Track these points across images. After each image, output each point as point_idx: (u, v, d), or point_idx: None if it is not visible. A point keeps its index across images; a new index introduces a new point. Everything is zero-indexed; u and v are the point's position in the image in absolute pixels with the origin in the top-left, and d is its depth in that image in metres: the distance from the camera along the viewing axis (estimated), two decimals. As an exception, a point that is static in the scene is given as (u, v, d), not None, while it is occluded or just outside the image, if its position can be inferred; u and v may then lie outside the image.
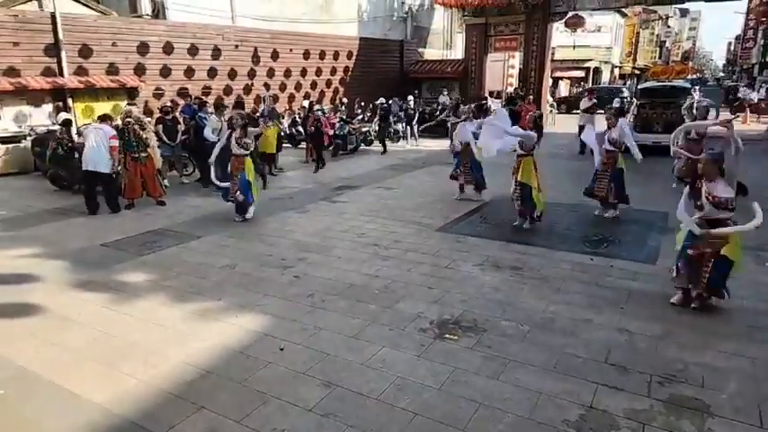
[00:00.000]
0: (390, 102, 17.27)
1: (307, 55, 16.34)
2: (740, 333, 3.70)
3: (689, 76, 17.16)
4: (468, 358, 3.42)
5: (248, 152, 6.81)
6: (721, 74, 67.60)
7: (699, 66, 57.68)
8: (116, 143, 7.20)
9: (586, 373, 3.22)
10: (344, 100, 16.19)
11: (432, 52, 22.65)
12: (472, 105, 8.27)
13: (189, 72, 13.17)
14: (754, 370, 3.24)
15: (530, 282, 4.72)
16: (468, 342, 3.62)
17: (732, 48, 60.50)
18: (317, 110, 11.55)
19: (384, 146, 13.43)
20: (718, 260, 3.85)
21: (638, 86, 14.96)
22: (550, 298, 4.35)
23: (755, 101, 21.18)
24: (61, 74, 10.79)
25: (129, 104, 9.10)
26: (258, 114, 10.34)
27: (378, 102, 14.60)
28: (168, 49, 12.62)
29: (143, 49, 12.14)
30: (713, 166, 3.80)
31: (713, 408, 2.86)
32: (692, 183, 4.00)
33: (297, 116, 14.17)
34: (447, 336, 3.72)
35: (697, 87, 15.33)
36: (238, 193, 6.70)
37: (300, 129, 13.15)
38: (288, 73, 15.87)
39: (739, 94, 23.92)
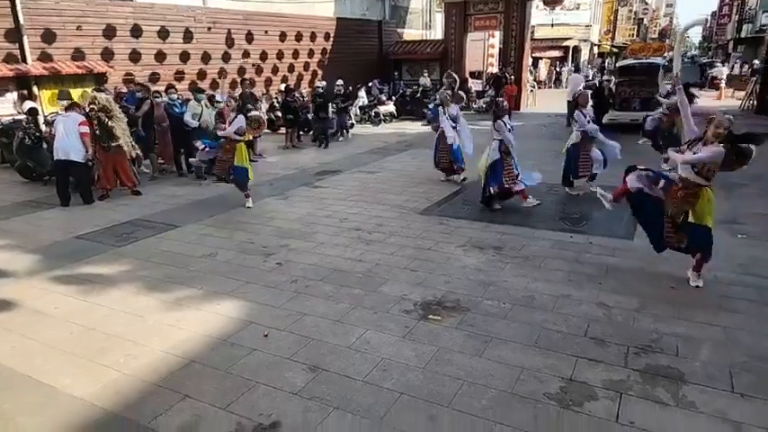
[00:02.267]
0: (370, 84, 17.03)
1: (283, 37, 15.92)
2: (712, 303, 3.83)
3: (666, 54, 17.30)
4: (452, 337, 3.46)
5: (243, 138, 6.69)
6: (696, 51, 68.35)
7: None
8: (86, 129, 6.94)
9: (566, 347, 3.30)
10: (323, 83, 15.89)
11: (411, 33, 22.32)
12: (457, 89, 8.17)
13: (160, 56, 12.72)
14: (726, 338, 3.37)
15: (511, 261, 4.78)
16: (451, 322, 3.67)
17: (708, 24, 61.26)
18: (217, 101, 8.34)
19: (321, 141, 11.70)
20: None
21: (617, 64, 15.07)
22: (531, 276, 4.42)
23: (722, 76, 21.80)
24: (24, 60, 10.28)
25: (96, 90, 8.63)
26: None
27: (316, 86, 12.39)
28: (137, 32, 12.13)
29: (110, 32, 11.64)
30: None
31: (687, 375, 2.97)
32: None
33: (275, 101, 13.90)
34: (431, 316, 3.75)
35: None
36: (234, 178, 6.69)
37: (279, 113, 12.90)
38: (264, 56, 15.46)
39: (712, 71, 24.47)
